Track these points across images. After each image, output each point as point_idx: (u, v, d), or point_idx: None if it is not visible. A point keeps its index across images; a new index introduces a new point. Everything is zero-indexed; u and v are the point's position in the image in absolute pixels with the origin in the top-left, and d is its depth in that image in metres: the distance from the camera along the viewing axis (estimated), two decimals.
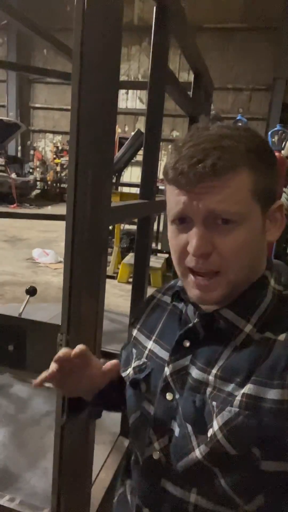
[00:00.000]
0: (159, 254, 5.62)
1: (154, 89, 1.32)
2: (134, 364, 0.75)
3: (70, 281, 0.91)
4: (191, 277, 0.62)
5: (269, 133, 4.21)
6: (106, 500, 1.29)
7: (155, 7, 1.23)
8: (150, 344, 0.75)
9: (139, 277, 1.46)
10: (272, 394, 0.54)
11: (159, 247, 5.94)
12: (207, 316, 0.65)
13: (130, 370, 0.75)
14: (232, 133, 0.59)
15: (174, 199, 0.61)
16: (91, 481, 1.14)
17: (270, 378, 0.56)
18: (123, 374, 0.77)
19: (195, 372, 0.64)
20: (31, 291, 2.08)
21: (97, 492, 1.28)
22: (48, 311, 2.98)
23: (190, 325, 0.66)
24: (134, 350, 0.78)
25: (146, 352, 0.74)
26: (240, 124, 5.16)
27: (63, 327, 0.94)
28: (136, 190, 8.63)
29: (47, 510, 1.20)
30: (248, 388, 0.56)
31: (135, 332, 0.80)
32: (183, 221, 0.61)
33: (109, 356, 0.99)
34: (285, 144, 4.10)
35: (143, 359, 0.74)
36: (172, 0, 1.25)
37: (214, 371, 0.61)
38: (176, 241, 0.63)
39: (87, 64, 0.81)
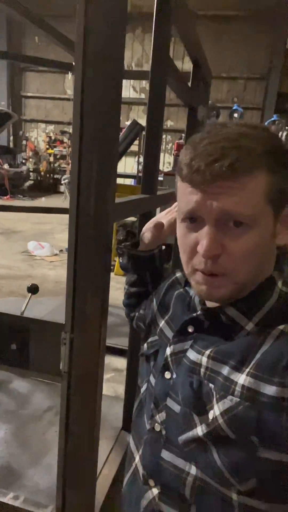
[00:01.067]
0: None
1: (156, 80, 1.29)
2: (149, 339, 0.82)
3: (74, 279, 0.89)
4: (199, 273, 0.62)
5: (266, 123, 4.18)
6: (110, 496, 1.29)
7: None
8: (162, 323, 0.80)
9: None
10: (271, 390, 0.55)
11: None
12: (210, 311, 0.66)
13: (145, 345, 0.82)
14: (250, 132, 0.58)
15: (186, 197, 0.60)
16: (96, 477, 1.14)
17: (270, 374, 0.56)
18: (142, 346, 0.84)
19: (192, 355, 0.66)
20: (33, 289, 2.05)
21: (101, 488, 1.28)
22: (45, 305, 2.97)
23: (194, 314, 0.68)
24: (152, 327, 0.84)
25: (158, 330, 0.80)
26: (236, 114, 5.12)
27: (67, 326, 0.92)
28: (130, 181, 8.59)
29: (51, 507, 1.20)
30: (248, 381, 0.57)
31: (155, 308, 0.86)
32: (194, 220, 0.61)
33: (108, 350, 0.99)
34: (281, 135, 4.08)
35: (156, 336, 0.80)
36: None
37: (207, 352, 0.64)
38: (186, 240, 0.63)
39: (90, 54, 0.78)
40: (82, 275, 0.89)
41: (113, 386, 2.34)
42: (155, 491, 0.68)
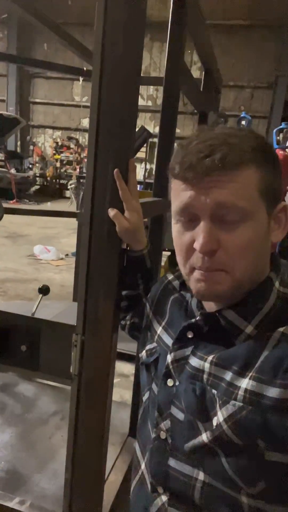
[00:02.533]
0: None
1: (170, 86, 1.29)
2: (147, 346, 0.80)
3: (87, 282, 0.89)
4: (196, 271, 0.63)
5: (274, 131, 4.18)
6: (117, 503, 1.27)
7: (172, 1, 1.20)
8: (159, 330, 0.79)
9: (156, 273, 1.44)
10: (273, 392, 0.55)
11: None
12: (209, 315, 0.66)
13: (144, 352, 0.80)
14: (237, 133, 0.61)
15: (180, 195, 0.62)
16: (103, 484, 1.12)
17: (272, 376, 0.56)
18: (139, 355, 0.82)
19: (194, 361, 0.66)
20: (44, 290, 2.05)
21: (108, 495, 1.26)
22: (52, 309, 2.96)
23: (193, 320, 0.68)
24: (148, 333, 0.82)
25: (156, 336, 0.79)
26: (244, 121, 5.13)
27: (78, 328, 0.92)
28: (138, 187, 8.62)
29: None
30: (250, 385, 0.57)
31: (150, 314, 0.84)
32: (188, 218, 0.62)
33: (120, 356, 0.98)
34: None
35: (154, 343, 0.78)
36: None
37: (210, 358, 0.63)
38: (182, 240, 0.63)
39: (108, 59, 0.78)
40: (95, 276, 0.88)
41: (119, 391, 2.32)
42: (164, 498, 0.68)
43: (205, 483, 0.62)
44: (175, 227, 0.65)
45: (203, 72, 1.99)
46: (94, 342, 0.92)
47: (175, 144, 0.67)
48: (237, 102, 11.95)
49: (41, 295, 2.04)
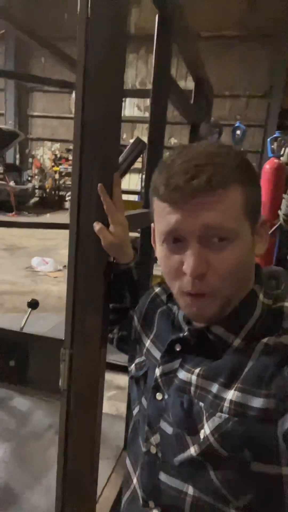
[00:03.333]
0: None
1: (157, 98, 1.31)
2: (136, 360, 0.80)
3: (74, 294, 0.88)
4: (186, 298, 0.62)
5: (268, 139, 4.21)
6: None
7: (157, 14, 1.21)
8: (148, 343, 0.79)
9: (144, 285, 1.43)
10: (258, 402, 0.55)
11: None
12: (197, 331, 0.66)
13: (133, 366, 0.80)
14: (219, 151, 0.61)
15: (166, 218, 0.60)
16: (96, 499, 1.10)
17: (257, 387, 0.56)
18: (129, 369, 0.83)
19: (181, 374, 0.66)
20: (33, 304, 2.04)
21: (102, 510, 1.24)
22: (48, 321, 2.95)
23: (181, 335, 0.68)
24: (137, 346, 0.82)
25: (145, 350, 0.79)
26: (238, 131, 5.17)
27: (66, 342, 0.91)
28: (134, 198, 8.66)
29: None
30: (235, 396, 0.57)
31: (138, 327, 0.84)
32: (175, 241, 0.61)
33: (110, 367, 0.97)
34: (284, 151, 4.10)
35: (143, 357, 0.78)
36: (174, 7, 1.24)
37: (197, 370, 0.63)
38: (169, 263, 0.62)
39: (91, 73, 0.79)
40: (82, 289, 0.88)
41: (115, 404, 2.30)
42: None
43: (195, 497, 0.62)
44: (161, 249, 0.64)
45: (194, 83, 2.01)
46: (83, 356, 0.91)
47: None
48: (233, 111, 12.05)
49: (29, 309, 2.03)
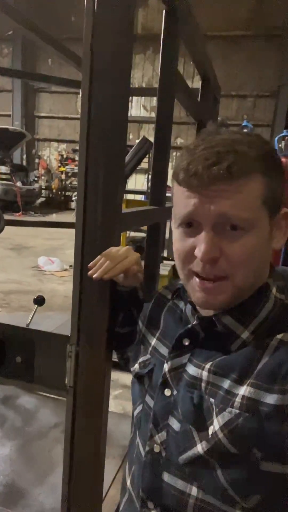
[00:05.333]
0: (165, 261, 5.58)
1: (164, 95, 1.30)
2: (140, 359, 0.79)
3: (80, 290, 0.88)
4: (195, 279, 0.62)
5: (276, 138, 4.17)
6: None
7: (164, 10, 1.21)
8: (154, 341, 0.77)
9: (149, 283, 1.43)
10: (271, 399, 0.54)
11: (165, 254, 5.91)
12: (206, 320, 0.65)
13: (136, 365, 0.79)
14: (243, 139, 0.59)
15: (183, 201, 0.60)
16: (102, 498, 1.10)
17: (270, 383, 0.55)
18: (131, 369, 0.81)
19: (191, 369, 0.65)
20: (39, 301, 2.05)
21: (108, 509, 1.23)
22: (55, 320, 2.96)
23: (190, 326, 0.67)
24: (142, 346, 0.81)
25: (150, 348, 0.77)
26: (245, 130, 5.14)
27: (72, 338, 0.90)
28: (140, 197, 8.66)
29: None
30: (248, 391, 0.56)
31: (143, 329, 0.82)
32: (190, 225, 0.61)
33: (116, 366, 0.96)
34: None
35: (148, 355, 0.77)
36: (181, 2, 1.23)
37: (207, 366, 0.62)
38: (182, 245, 0.62)
39: (97, 71, 0.78)
40: (88, 285, 0.87)
41: (121, 403, 2.29)
42: None
43: (198, 499, 0.60)
44: (176, 232, 0.64)
45: (201, 82, 2.00)
46: (89, 352, 0.90)
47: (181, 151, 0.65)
48: (240, 111, 12.01)
49: (36, 306, 2.03)
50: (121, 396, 2.36)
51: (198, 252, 0.59)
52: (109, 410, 0.99)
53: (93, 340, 0.90)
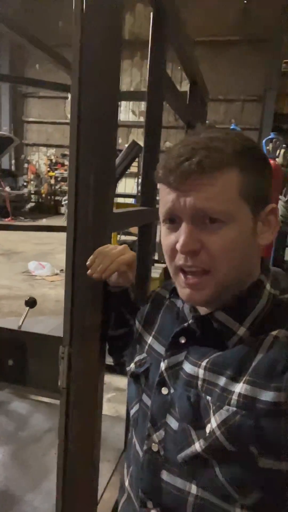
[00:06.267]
0: (156, 264, 5.58)
1: (153, 97, 1.31)
2: (136, 358, 0.79)
3: (72, 291, 0.87)
4: (181, 276, 0.64)
5: (263, 141, 4.23)
6: None
7: (152, 13, 1.22)
8: (150, 339, 0.78)
9: (141, 284, 1.43)
10: (268, 396, 0.54)
11: (156, 257, 5.92)
12: (202, 318, 0.66)
13: (132, 364, 0.79)
14: (221, 136, 0.61)
15: (164, 198, 0.63)
16: (97, 502, 1.09)
17: (266, 380, 0.56)
18: (127, 368, 0.81)
19: (188, 367, 0.65)
20: (31, 303, 2.04)
21: None
22: (46, 324, 2.93)
23: (186, 324, 0.68)
24: (137, 346, 0.81)
25: (146, 347, 0.78)
26: None
27: (65, 339, 0.90)
28: (130, 201, 8.69)
29: None
30: (244, 389, 0.57)
31: (140, 328, 0.83)
32: (172, 221, 0.63)
33: (109, 369, 0.96)
34: (279, 152, 4.13)
35: (144, 354, 0.77)
36: (169, 4, 1.24)
37: (204, 363, 0.63)
38: (167, 241, 0.64)
39: (86, 76, 0.79)
40: (80, 286, 0.87)
41: (114, 406, 2.28)
42: None
43: (198, 497, 0.61)
44: (163, 229, 0.66)
45: (189, 85, 2.02)
46: (82, 354, 0.90)
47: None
48: (228, 115, 12.13)
49: (27, 308, 2.02)
50: (114, 399, 2.35)
51: (179, 245, 0.61)
52: (103, 413, 0.98)
53: (86, 341, 0.89)
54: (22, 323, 1.89)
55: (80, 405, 0.92)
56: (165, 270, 5.04)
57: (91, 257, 0.80)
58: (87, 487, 1.01)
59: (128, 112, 12.93)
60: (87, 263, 0.80)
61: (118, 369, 0.96)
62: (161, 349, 0.73)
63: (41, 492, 1.33)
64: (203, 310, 0.68)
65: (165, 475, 0.65)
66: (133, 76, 12.57)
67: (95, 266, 0.79)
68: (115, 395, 2.40)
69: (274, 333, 0.59)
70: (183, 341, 0.68)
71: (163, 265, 5.34)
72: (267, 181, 0.64)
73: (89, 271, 0.80)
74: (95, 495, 1.04)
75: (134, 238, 4.87)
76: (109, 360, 0.94)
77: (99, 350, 0.90)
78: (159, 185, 0.65)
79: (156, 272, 5.03)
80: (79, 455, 0.96)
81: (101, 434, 0.97)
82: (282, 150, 4.04)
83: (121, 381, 2.49)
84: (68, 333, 0.89)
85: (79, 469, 0.97)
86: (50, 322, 2.99)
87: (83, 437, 0.94)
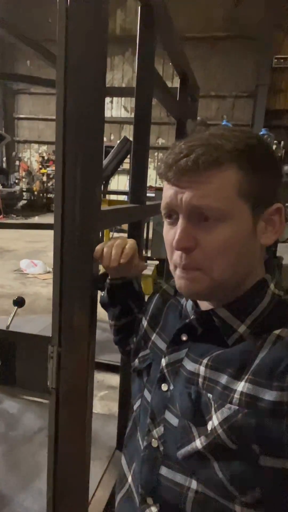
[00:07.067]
0: (149, 261, 5.59)
1: (142, 93, 1.30)
2: (140, 354, 0.80)
3: (60, 290, 0.86)
4: (178, 269, 0.64)
5: None
6: None
7: (139, 7, 1.20)
8: (153, 336, 0.79)
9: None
10: (270, 395, 0.54)
11: (149, 254, 5.92)
12: (203, 314, 0.66)
13: (136, 360, 0.80)
14: (224, 133, 0.60)
15: (164, 193, 0.64)
16: (88, 501, 1.08)
17: (269, 379, 0.55)
18: (131, 364, 0.82)
19: (189, 364, 0.65)
20: (19, 302, 2.02)
21: (95, 511, 1.22)
22: (38, 322, 2.91)
23: (187, 321, 0.68)
24: (142, 342, 0.82)
25: (150, 343, 0.78)
26: None
27: (54, 339, 0.89)
28: (123, 198, 8.66)
29: None
30: (246, 387, 0.56)
31: (145, 324, 0.83)
32: (171, 216, 0.64)
33: (101, 367, 0.95)
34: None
35: (147, 350, 0.78)
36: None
37: (205, 361, 0.63)
38: (167, 236, 0.65)
39: (72, 71, 0.77)
40: (68, 284, 0.86)
41: (107, 404, 2.27)
42: (153, 509, 0.66)
43: (198, 493, 0.60)
44: (165, 224, 0.67)
45: (179, 80, 2.01)
46: (71, 353, 0.89)
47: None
48: (220, 111, 12.13)
49: (16, 308, 2.00)
50: (107, 397, 2.34)
51: (174, 241, 0.61)
52: (95, 411, 0.97)
53: (74, 340, 0.88)
54: (10, 322, 1.88)
55: (70, 405, 0.91)
56: (157, 267, 5.04)
57: (97, 250, 0.82)
58: (78, 487, 1.00)
59: (120, 108, 12.88)
60: (96, 257, 0.82)
61: (125, 356, 0.99)
62: (163, 346, 0.73)
63: (32, 492, 1.33)
64: (205, 307, 0.68)
65: (164, 471, 0.65)
66: (125, 72, 12.51)
67: (108, 256, 0.80)
68: (108, 393, 2.40)
69: (277, 332, 0.59)
70: (184, 338, 0.68)
71: (155, 262, 5.34)
72: (273, 180, 0.62)
73: (103, 262, 0.81)
74: (86, 494, 1.03)
75: (126, 235, 4.86)
76: (101, 358, 0.94)
77: (89, 348, 0.89)
78: (162, 180, 0.66)
79: (148, 269, 5.04)
80: (69, 455, 0.95)
81: (93, 433, 0.97)
82: (274, 146, 4.04)
83: (114, 379, 2.48)
84: (57, 332, 0.88)
85: (70, 469, 0.97)
86: (41, 321, 2.97)
87: (73, 437, 0.94)
